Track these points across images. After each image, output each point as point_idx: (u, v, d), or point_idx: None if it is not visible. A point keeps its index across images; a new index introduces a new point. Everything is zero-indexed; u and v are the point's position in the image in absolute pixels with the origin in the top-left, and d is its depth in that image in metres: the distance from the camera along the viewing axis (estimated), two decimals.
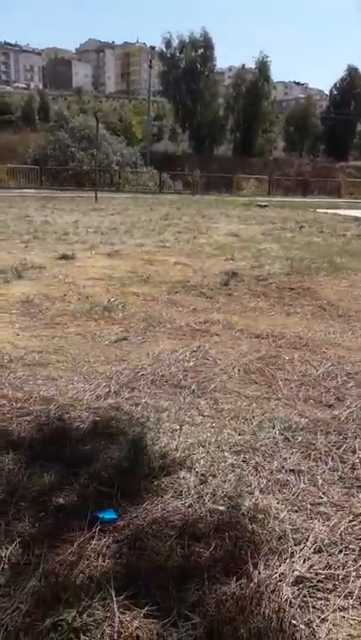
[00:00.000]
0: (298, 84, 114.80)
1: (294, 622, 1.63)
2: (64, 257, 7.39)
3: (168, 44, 51.90)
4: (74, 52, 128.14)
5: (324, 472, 2.44)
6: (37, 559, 1.82)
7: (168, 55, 52.39)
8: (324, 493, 2.28)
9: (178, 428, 2.77)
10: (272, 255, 8.36)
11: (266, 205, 20.70)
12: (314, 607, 1.70)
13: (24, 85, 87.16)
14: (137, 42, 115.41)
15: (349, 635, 1.61)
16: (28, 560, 1.82)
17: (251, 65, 54.18)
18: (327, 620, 1.65)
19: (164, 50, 52.68)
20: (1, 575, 1.75)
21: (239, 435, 2.74)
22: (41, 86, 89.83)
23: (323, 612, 1.68)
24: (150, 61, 50.97)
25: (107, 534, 1.96)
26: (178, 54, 51.88)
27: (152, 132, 51.76)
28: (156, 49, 61.22)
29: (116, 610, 1.63)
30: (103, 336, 4.29)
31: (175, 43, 51.66)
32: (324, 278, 6.83)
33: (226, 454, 2.54)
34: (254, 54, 65.39)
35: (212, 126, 51.60)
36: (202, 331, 4.53)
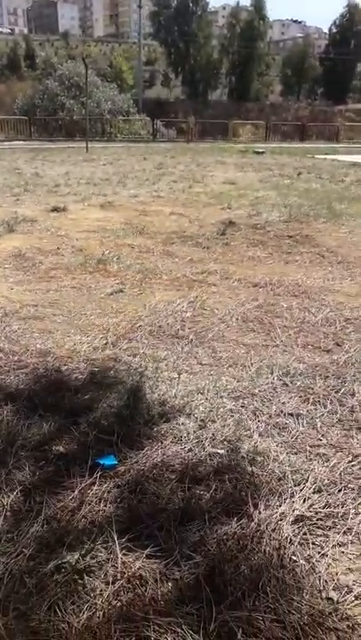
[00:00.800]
0: (295, 22, 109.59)
1: (294, 558, 1.66)
2: (56, 209, 7.21)
3: None
4: None
5: (322, 415, 2.45)
6: (39, 506, 1.84)
7: None
8: (323, 435, 2.29)
9: (176, 376, 2.76)
10: (270, 203, 8.17)
11: (263, 152, 20.14)
12: (314, 544, 1.73)
13: (8, 30, 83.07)
14: None
15: (348, 568, 1.65)
16: (30, 507, 1.84)
17: (246, 2, 51.53)
18: (327, 556, 1.68)
19: None
20: (4, 522, 1.77)
21: (237, 381, 2.73)
22: (26, 31, 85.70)
23: (322, 547, 1.72)
24: (140, 1, 48.31)
25: (108, 480, 1.98)
26: None
27: (144, 78, 49.74)
28: None
29: (118, 551, 1.66)
30: (99, 289, 4.23)
31: None
32: (323, 225, 6.71)
33: (224, 400, 2.54)
34: None
35: (205, 70, 49.68)
36: (199, 281, 4.47)
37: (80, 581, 1.55)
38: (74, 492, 1.91)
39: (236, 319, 3.61)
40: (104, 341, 3.21)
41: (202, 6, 49.58)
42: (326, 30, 61.63)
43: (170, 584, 1.56)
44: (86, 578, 1.57)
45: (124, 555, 1.65)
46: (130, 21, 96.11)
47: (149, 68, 59.87)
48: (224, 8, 70.14)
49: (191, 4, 48.52)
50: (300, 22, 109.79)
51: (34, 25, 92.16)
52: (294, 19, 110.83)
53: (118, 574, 1.58)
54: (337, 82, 53.87)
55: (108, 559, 1.63)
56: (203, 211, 7.54)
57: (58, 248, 5.38)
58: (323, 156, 19.12)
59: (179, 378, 2.74)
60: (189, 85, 50.66)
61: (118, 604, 1.49)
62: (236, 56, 50.03)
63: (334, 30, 56.25)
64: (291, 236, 6.04)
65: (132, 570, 1.60)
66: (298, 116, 43.24)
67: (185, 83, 51.44)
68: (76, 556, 1.62)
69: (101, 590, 1.53)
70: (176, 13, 48.18)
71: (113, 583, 1.55)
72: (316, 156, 19.09)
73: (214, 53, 50.28)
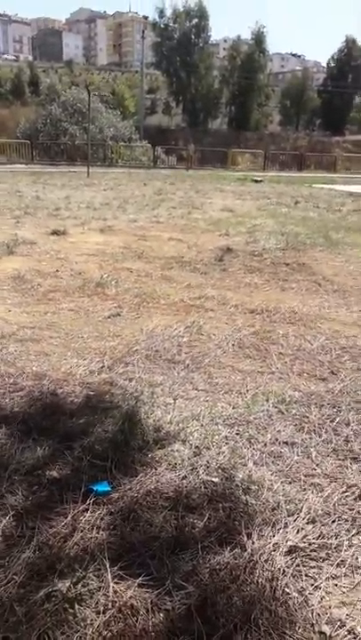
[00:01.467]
0: (295, 55, 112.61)
1: (287, 590, 1.64)
2: (56, 232, 7.29)
3: (161, 13, 50.72)
4: (64, 21, 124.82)
5: (317, 444, 2.45)
6: (31, 531, 1.82)
7: (161, 25, 51.17)
8: (317, 465, 2.29)
9: (172, 401, 2.76)
10: (267, 230, 8.28)
11: (261, 180, 20.48)
12: (307, 575, 1.72)
13: (13, 57, 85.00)
14: (129, 11, 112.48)
15: (341, 602, 1.63)
16: (22, 533, 1.82)
17: (246, 36, 53.07)
18: (320, 588, 1.67)
19: (158, 20, 51.46)
20: None
21: (233, 408, 2.74)
22: (30, 58, 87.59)
23: (315, 580, 1.70)
24: (143, 32, 49.69)
25: (101, 506, 1.96)
26: (171, 25, 50.67)
27: (145, 106, 50.78)
28: (149, 19, 59.86)
29: (110, 580, 1.64)
30: (96, 312, 4.25)
31: (169, 12, 50.46)
32: (320, 253, 6.79)
33: (220, 427, 2.54)
34: (250, 24, 63.76)
35: (206, 99, 50.73)
36: (196, 306, 4.51)
37: (71, 610, 1.53)
38: (66, 517, 1.89)
39: (233, 345, 3.63)
40: (100, 365, 3.22)
41: (203, 38, 50.94)
42: (325, 64, 63.43)
43: (161, 614, 1.54)
44: (77, 607, 1.55)
45: (115, 583, 1.63)
46: (133, 51, 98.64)
47: (151, 96, 61.16)
48: (225, 41, 72.10)
49: (193, 37, 49.86)
50: (299, 56, 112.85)
51: (38, 53, 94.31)
52: (293, 52, 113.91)
53: (109, 603, 1.56)
54: (335, 114, 55.14)
55: (100, 587, 1.62)
56: (201, 237, 7.63)
57: (57, 271, 5.42)
58: (320, 186, 19.45)
59: (174, 403, 2.75)
60: (190, 114, 51.69)
61: (109, 634, 1.47)
62: (236, 87, 51.21)
63: (332, 64, 57.84)
64: (287, 264, 6.11)
65: (124, 599, 1.58)
66: (296, 145, 44.08)
67: (186, 111, 52.50)
68: (67, 584, 1.60)
69: (92, 620, 1.51)
70: (178, 44, 49.47)
71: (104, 613, 1.53)
72: (314, 186, 19.43)
73: (215, 84, 51.46)
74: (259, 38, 51.61)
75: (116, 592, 1.60)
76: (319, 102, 57.17)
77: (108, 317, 4.14)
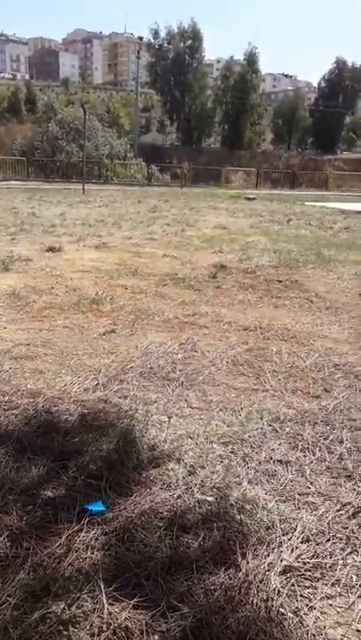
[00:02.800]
0: (286, 76, 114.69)
1: (282, 611, 1.64)
2: (51, 249, 7.33)
3: (156, 34, 51.65)
4: (61, 41, 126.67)
5: (311, 462, 2.46)
6: (26, 552, 1.82)
7: (156, 46, 52.09)
8: (311, 483, 2.30)
9: (166, 419, 2.77)
10: (260, 248, 8.36)
11: (254, 198, 20.70)
12: (302, 596, 1.71)
13: (10, 76, 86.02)
14: (125, 32, 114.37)
15: (336, 622, 1.63)
16: (17, 553, 1.81)
17: (239, 56, 54.03)
18: (315, 609, 1.67)
19: (152, 41, 52.42)
20: None
21: (227, 426, 2.75)
22: (27, 77, 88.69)
23: (310, 600, 1.70)
24: (138, 52, 50.48)
25: (95, 526, 1.96)
26: (166, 45, 51.59)
27: (140, 124, 51.41)
28: (144, 40, 60.86)
29: (104, 601, 1.63)
30: (91, 329, 4.27)
31: (163, 33, 51.43)
32: (312, 271, 6.86)
33: (214, 445, 2.55)
34: (243, 45, 64.99)
35: (200, 118, 51.47)
36: (190, 323, 4.53)
37: (65, 632, 1.52)
38: (61, 538, 1.89)
39: (227, 362, 3.65)
40: (95, 382, 3.22)
41: (197, 59, 51.83)
42: (316, 84, 64.66)
43: (156, 636, 1.54)
44: (71, 629, 1.54)
45: (110, 604, 1.63)
46: (128, 70, 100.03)
47: (146, 114, 62.00)
48: (218, 61, 73.43)
49: (187, 57, 50.73)
50: (290, 76, 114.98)
51: (35, 72, 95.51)
52: (285, 73, 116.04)
53: (104, 625, 1.56)
54: (326, 132, 56.08)
55: (94, 609, 1.61)
56: (195, 254, 7.69)
57: (52, 287, 5.44)
58: (312, 204, 19.68)
59: (169, 421, 2.75)
60: (184, 132, 52.38)
61: None
62: (229, 106, 52.01)
63: (323, 85, 59.00)
64: (280, 281, 6.16)
65: (118, 621, 1.57)
66: (288, 164, 44.67)
67: (180, 130, 53.21)
68: (61, 606, 1.59)
69: None
70: (173, 64, 50.31)
71: (98, 635, 1.53)
72: (306, 203, 19.66)
73: (209, 103, 52.25)
74: (251, 59, 52.60)
75: (110, 613, 1.59)
76: (311, 121, 58.16)
77: (103, 334, 4.15)
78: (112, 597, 1.65)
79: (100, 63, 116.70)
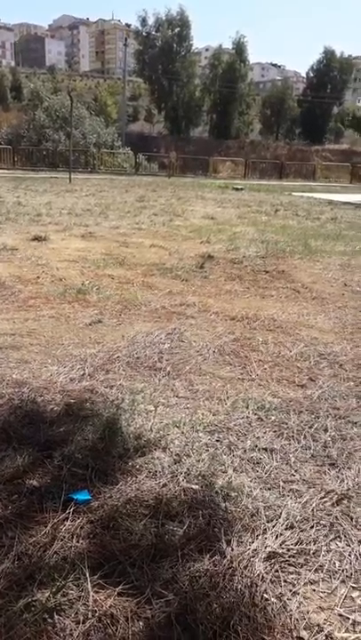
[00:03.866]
0: (275, 65, 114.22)
1: (266, 596, 1.66)
2: (37, 238, 7.25)
3: (144, 21, 51.06)
4: (47, 28, 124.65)
5: (296, 450, 2.48)
6: (11, 541, 1.81)
7: (144, 34, 51.51)
8: (296, 471, 2.32)
9: (153, 409, 2.77)
10: (248, 238, 8.36)
11: (242, 188, 20.67)
12: (285, 581, 1.73)
13: None
14: (112, 19, 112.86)
15: (319, 607, 1.65)
16: (2, 542, 1.81)
17: (228, 45, 53.63)
18: (298, 594, 1.69)
19: (140, 28, 51.79)
20: None
21: (213, 415, 2.76)
22: (13, 64, 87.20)
23: (294, 585, 1.72)
24: (125, 40, 49.89)
25: (81, 515, 1.96)
26: (154, 33, 51.00)
27: (127, 113, 50.92)
28: (132, 27, 60.17)
29: (90, 589, 1.64)
30: (77, 319, 4.24)
31: (151, 21, 50.80)
32: (299, 261, 6.88)
33: (200, 434, 2.55)
34: (231, 34, 64.77)
35: (188, 108, 51.12)
36: (177, 313, 4.52)
37: (50, 620, 1.53)
38: (46, 527, 1.88)
39: (213, 352, 3.66)
40: (81, 372, 3.21)
41: (186, 47, 51.37)
42: (304, 74, 64.48)
43: (141, 623, 1.55)
44: (56, 616, 1.54)
45: (95, 592, 1.63)
46: (115, 58, 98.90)
47: (133, 103, 61.39)
48: (207, 50, 72.82)
49: (175, 45, 50.25)
50: (279, 66, 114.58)
51: (21, 58, 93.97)
52: (274, 62, 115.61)
53: (89, 613, 1.56)
54: (314, 123, 56.02)
55: (80, 597, 1.61)
56: (182, 244, 7.67)
57: (38, 277, 5.39)
58: (300, 194, 19.71)
59: (155, 411, 2.75)
60: (172, 121, 51.99)
61: None
62: (217, 95, 51.73)
63: (312, 75, 58.85)
64: (267, 272, 6.17)
65: (104, 608, 1.58)
66: (276, 154, 44.66)
67: (168, 119, 52.79)
68: (46, 594, 1.60)
69: (71, 630, 1.50)
70: (161, 52, 49.81)
71: (83, 622, 1.53)
72: (294, 194, 19.69)
73: (197, 92, 51.89)
74: (240, 48, 52.28)
75: (95, 601, 1.60)
76: (299, 112, 58.07)
77: (90, 324, 4.13)
78: (97, 585, 1.66)
79: (86, 50, 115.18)
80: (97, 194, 15.20)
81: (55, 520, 1.91)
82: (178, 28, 50.29)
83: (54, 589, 1.61)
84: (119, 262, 6.25)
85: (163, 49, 49.70)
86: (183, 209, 12.28)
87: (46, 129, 29.19)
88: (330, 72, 56.86)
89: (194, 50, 54.44)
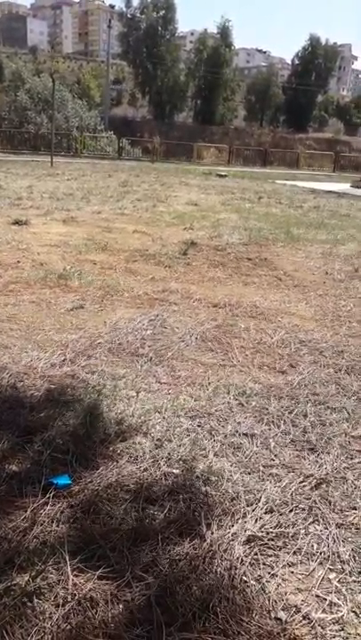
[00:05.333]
0: (260, 51, 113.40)
1: (245, 579, 1.68)
2: (17, 222, 7.14)
3: (128, 3, 50.18)
4: (29, 6, 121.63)
5: (276, 435, 2.50)
6: None
7: (128, 16, 50.63)
8: (276, 456, 2.34)
9: (134, 394, 2.77)
10: (231, 225, 8.35)
11: (226, 175, 20.60)
12: (264, 564, 1.76)
13: None
14: None
15: (297, 588, 1.68)
16: None
17: (213, 30, 53.01)
18: (276, 576, 1.71)
19: (125, 10, 50.90)
20: None
21: (195, 400, 2.76)
22: None
23: (272, 568, 1.75)
24: (110, 21, 48.92)
25: (61, 500, 1.95)
26: (138, 15, 50.12)
27: (111, 96, 50.17)
28: (116, 8, 59.05)
29: (69, 573, 1.64)
30: (59, 304, 4.20)
31: (136, 2, 49.88)
32: (281, 249, 6.90)
33: (181, 419, 2.56)
34: (216, 19, 64.06)
35: (172, 92, 50.54)
36: (160, 300, 4.51)
37: (29, 604, 1.52)
38: (26, 511, 1.87)
39: (196, 338, 3.66)
40: (62, 358, 3.18)
41: (170, 30, 50.66)
42: (289, 61, 64.17)
43: (121, 606, 1.55)
44: (36, 600, 1.54)
45: (75, 576, 1.63)
46: (99, 40, 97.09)
47: (117, 86, 60.44)
48: (192, 34, 71.91)
49: (160, 28, 49.50)
50: (264, 52, 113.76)
51: (2, 38, 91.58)
52: (259, 48, 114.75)
53: (69, 596, 1.56)
54: (299, 111, 55.94)
55: (59, 581, 1.61)
56: (165, 230, 7.62)
57: (18, 262, 5.31)
58: (283, 182, 19.73)
59: (137, 396, 2.75)
60: (156, 106, 51.38)
61: (68, 627, 1.47)
62: (202, 80, 51.22)
63: (297, 62, 58.60)
64: (250, 259, 6.18)
65: (83, 591, 1.58)
66: (260, 141, 44.56)
67: (152, 103, 52.15)
68: (25, 578, 1.59)
69: (51, 613, 1.50)
70: (145, 35, 49.03)
71: (63, 605, 1.53)
72: (277, 182, 19.70)
73: (181, 76, 51.27)
74: (225, 32, 51.72)
75: (75, 585, 1.60)
76: (284, 99, 57.88)
77: (71, 310, 4.09)
78: (77, 569, 1.66)
79: (70, 31, 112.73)
80: (79, 178, 14.99)
81: (35, 505, 1.90)
82: (163, 11, 49.51)
83: (34, 573, 1.61)
84: (101, 248, 6.19)
85: (147, 32, 48.92)
86: (167, 195, 12.19)
87: (28, 111, 28.65)
88: (315, 59, 56.68)
89: (179, 34, 53.80)
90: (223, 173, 21.12)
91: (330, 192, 16.98)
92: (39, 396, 2.69)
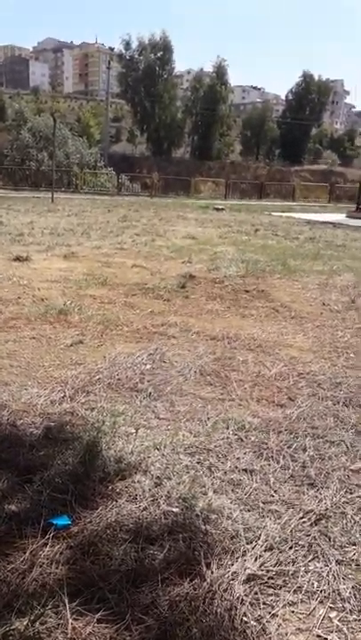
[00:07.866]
0: (255, 88, 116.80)
1: (245, 619, 1.67)
2: (18, 258, 7.25)
3: (127, 45, 51.96)
4: (31, 50, 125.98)
5: (275, 471, 2.50)
6: None
7: (127, 57, 52.38)
8: (275, 492, 2.34)
9: (134, 431, 2.78)
10: (228, 258, 8.46)
11: (223, 208, 20.95)
12: (265, 603, 1.74)
13: None
14: (96, 42, 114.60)
15: (298, 628, 1.66)
16: None
17: (209, 69, 54.78)
18: (277, 616, 1.70)
19: (123, 51, 52.72)
20: None
21: (194, 436, 2.77)
22: None
23: (273, 607, 1.73)
24: (109, 62, 50.62)
25: (60, 540, 1.95)
26: (137, 56, 51.91)
27: (110, 134, 51.46)
28: (115, 50, 61.17)
29: (68, 616, 1.62)
30: (58, 339, 4.24)
31: (134, 44, 51.76)
32: (278, 280, 6.98)
33: (181, 456, 2.56)
34: (212, 58, 66.33)
35: (170, 129, 51.88)
36: (159, 333, 4.55)
37: None
38: (25, 553, 1.87)
39: (195, 372, 3.68)
40: (62, 394, 3.20)
41: (168, 70, 52.34)
42: (284, 97, 66.11)
43: None
44: None
45: (74, 619, 1.62)
46: (99, 80, 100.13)
47: (116, 124, 62.13)
48: (189, 72, 74.20)
49: (158, 68, 51.17)
50: (259, 89, 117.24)
51: (5, 79, 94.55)
52: (254, 85, 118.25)
53: None
54: (293, 144, 57.35)
55: (59, 625, 1.60)
56: (164, 264, 7.73)
57: (19, 298, 5.38)
58: (279, 214, 20.05)
59: (136, 433, 2.76)
60: (154, 142, 52.68)
61: None
62: (199, 117, 52.67)
63: (291, 97, 60.40)
64: (247, 291, 6.25)
65: (83, 636, 1.57)
66: (256, 174, 45.44)
67: (150, 140, 53.48)
68: (25, 623, 1.58)
69: None
70: (143, 75, 50.64)
71: None
72: (273, 214, 20.01)
73: (178, 114, 52.78)
74: (220, 71, 53.46)
75: (74, 629, 1.59)
76: (278, 133, 59.40)
77: (71, 345, 4.13)
78: (76, 612, 1.65)
79: (70, 72, 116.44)
80: (79, 214, 15.26)
81: (34, 546, 1.90)
82: (160, 52, 51.30)
83: (33, 617, 1.60)
84: (101, 282, 6.27)
85: (145, 72, 50.55)
86: (165, 229, 12.39)
87: (30, 149, 29.37)
88: (308, 95, 58.45)
89: (176, 73, 55.54)
90: (220, 207, 21.48)
91: (325, 223, 17.24)
92: (38, 434, 2.70)
